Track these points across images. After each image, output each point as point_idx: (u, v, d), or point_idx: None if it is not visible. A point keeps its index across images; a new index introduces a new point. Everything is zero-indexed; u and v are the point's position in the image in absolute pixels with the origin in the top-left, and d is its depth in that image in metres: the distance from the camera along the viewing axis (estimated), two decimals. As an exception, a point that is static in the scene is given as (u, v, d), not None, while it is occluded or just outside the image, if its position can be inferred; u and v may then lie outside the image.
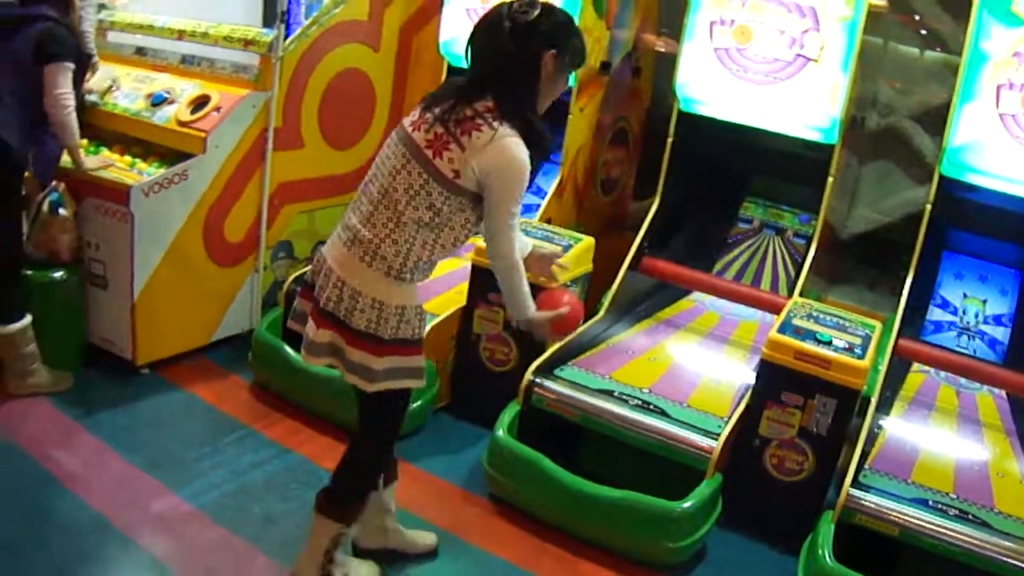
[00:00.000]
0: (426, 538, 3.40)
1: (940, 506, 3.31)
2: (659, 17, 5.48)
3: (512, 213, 2.60)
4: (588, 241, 4.26)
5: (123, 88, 4.67)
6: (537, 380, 3.80)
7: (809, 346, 3.53)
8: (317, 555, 2.94)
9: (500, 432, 3.68)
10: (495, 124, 2.51)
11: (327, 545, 2.93)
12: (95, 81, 4.60)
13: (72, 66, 3.88)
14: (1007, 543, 3.16)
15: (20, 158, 3.85)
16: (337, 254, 2.67)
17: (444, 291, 4.40)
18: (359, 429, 2.96)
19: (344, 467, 2.96)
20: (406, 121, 2.63)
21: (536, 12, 2.53)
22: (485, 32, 2.58)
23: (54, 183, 4.14)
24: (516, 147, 2.52)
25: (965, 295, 4.55)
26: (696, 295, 4.79)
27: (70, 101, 3.88)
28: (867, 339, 3.66)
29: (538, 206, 4.89)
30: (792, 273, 4.71)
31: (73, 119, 3.92)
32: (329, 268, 2.67)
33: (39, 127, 3.88)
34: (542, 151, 2.65)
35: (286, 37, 4.44)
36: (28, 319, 4.03)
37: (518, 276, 2.71)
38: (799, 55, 4.15)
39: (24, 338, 4.03)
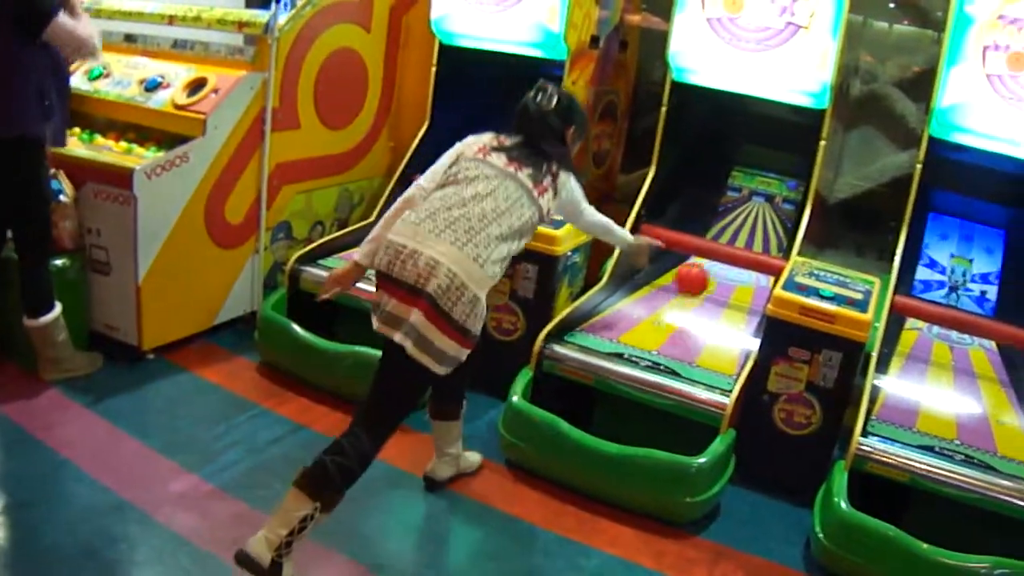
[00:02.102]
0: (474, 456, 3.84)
1: (946, 451, 3.41)
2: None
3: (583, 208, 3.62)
4: (589, 210, 4.32)
5: (114, 74, 4.66)
6: (548, 346, 3.86)
7: (814, 302, 3.63)
8: (279, 533, 2.82)
9: (515, 398, 3.75)
10: (563, 175, 3.31)
11: (296, 525, 2.81)
12: None
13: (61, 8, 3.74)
14: (1012, 484, 3.26)
15: (42, 142, 3.83)
16: (445, 249, 2.90)
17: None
18: (367, 418, 3.01)
19: (343, 454, 2.89)
20: (498, 160, 3.17)
21: (555, 101, 3.30)
22: (532, 116, 3.28)
23: (52, 170, 4.12)
24: (576, 183, 3.44)
25: (952, 255, 4.67)
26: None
27: (93, 35, 3.83)
28: (868, 294, 3.77)
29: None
30: (783, 238, 4.81)
31: (95, 44, 3.87)
32: (434, 259, 2.88)
33: (45, 99, 3.81)
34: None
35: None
36: (59, 308, 4.03)
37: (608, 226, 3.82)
38: (790, 23, 4.23)
39: (57, 327, 4.05)
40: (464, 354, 2.97)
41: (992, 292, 4.55)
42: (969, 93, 4.03)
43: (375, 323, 2.98)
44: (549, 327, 3.94)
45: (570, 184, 3.38)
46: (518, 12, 4.71)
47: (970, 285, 4.57)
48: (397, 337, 2.88)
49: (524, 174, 3.16)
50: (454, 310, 2.86)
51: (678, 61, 4.53)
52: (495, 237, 3.00)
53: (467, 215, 3.01)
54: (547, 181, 3.24)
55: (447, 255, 2.90)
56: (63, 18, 3.71)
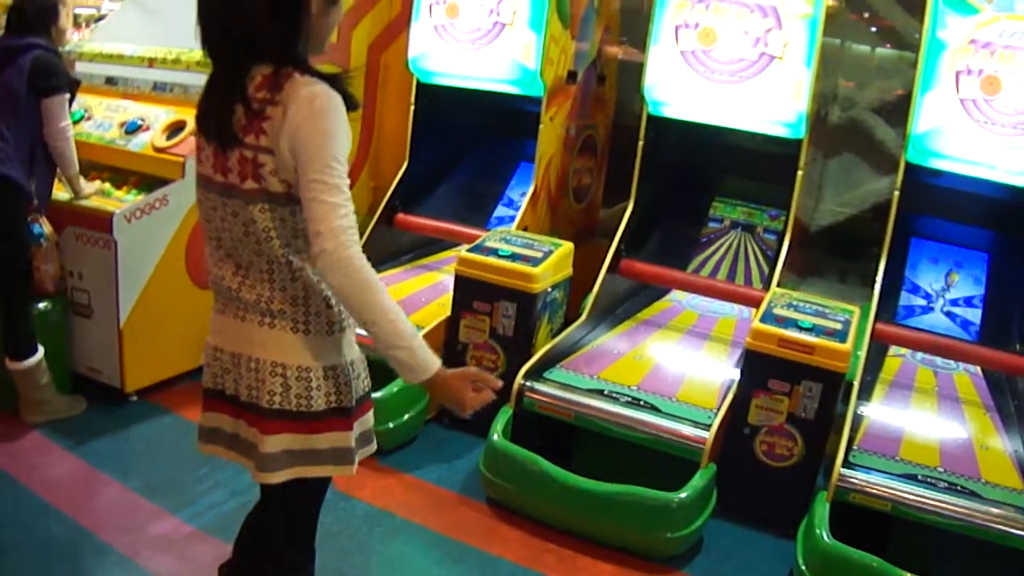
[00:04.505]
0: None
1: (929, 480, 3.39)
2: (619, 27, 5.58)
3: (337, 173, 1.88)
4: (568, 246, 4.33)
5: (95, 117, 4.68)
6: (528, 384, 3.85)
7: (792, 333, 3.61)
8: None
9: (495, 436, 3.73)
10: (279, 94, 1.88)
11: None
12: None
13: (68, 95, 3.91)
14: (997, 511, 3.24)
15: (26, 192, 3.86)
16: (238, 333, 2.08)
17: (428, 303, 4.46)
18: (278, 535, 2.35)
19: None
20: (205, 166, 2.03)
21: None
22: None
23: (34, 214, 4.14)
24: (322, 91, 1.89)
25: (935, 280, 4.67)
26: (673, 296, 4.88)
27: (71, 132, 3.94)
28: (847, 324, 3.75)
29: (513, 217, 4.96)
30: (765, 268, 4.81)
31: (73, 149, 3.98)
32: (237, 354, 2.08)
33: (35, 158, 3.88)
34: (347, 97, 1.96)
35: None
36: (42, 351, 4.04)
37: (380, 292, 1.91)
38: (763, 53, 4.24)
39: (40, 370, 4.05)
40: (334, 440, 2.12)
41: (976, 316, 4.55)
42: (944, 118, 4.03)
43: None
44: (529, 364, 3.93)
45: (302, 99, 1.86)
46: (494, 50, 4.73)
47: (954, 310, 4.57)
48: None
49: (227, 166, 1.96)
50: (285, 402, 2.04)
51: (653, 94, 4.53)
52: (265, 280, 2.02)
53: (237, 267, 2.05)
54: (247, 142, 1.92)
55: (244, 340, 2.06)
56: (62, 105, 3.88)
